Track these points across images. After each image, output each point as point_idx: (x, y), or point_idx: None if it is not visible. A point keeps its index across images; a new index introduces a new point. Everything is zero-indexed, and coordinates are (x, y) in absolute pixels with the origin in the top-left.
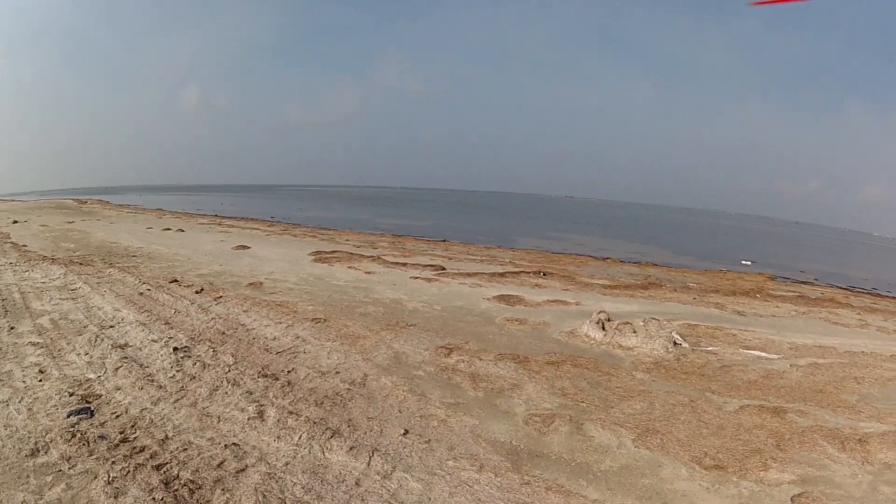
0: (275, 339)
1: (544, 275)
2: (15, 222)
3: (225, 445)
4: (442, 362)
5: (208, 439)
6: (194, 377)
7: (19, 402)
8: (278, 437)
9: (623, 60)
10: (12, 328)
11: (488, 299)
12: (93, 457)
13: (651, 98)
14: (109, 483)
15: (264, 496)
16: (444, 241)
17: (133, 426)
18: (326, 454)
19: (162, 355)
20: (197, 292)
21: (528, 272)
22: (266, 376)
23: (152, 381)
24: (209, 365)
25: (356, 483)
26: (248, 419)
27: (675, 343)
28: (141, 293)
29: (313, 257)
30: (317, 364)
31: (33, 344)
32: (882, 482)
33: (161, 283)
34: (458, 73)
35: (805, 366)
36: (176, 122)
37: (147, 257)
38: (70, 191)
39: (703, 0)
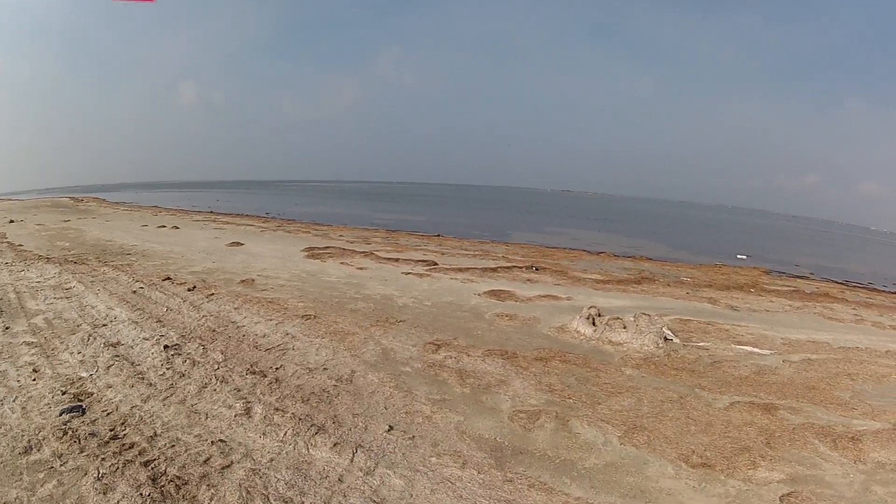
0: (265, 336)
1: (536, 270)
2: (11, 221)
3: (212, 442)
4: (430, 358)
5: (196, 436)
6: (184, 375)
7: (14, 401)
8: (264, 434)
9: (621, 54)
10: (7, 328)
11: (479, 295)
12: (83, 454)
13: (649, 92)
14: (99, 479)
15: (248, 492)
16: (438, 235)
17: (123, 423)
18: (311, 450)
19: (153, 353)
20: (189, 290)
21: (521, 267)
22: (254, 373)
23: (143, 378)
24: (199, 362)
25: (339, 479)
26: (235, 416)
27: (665, 338)
28: (134, 291)
29: (306, 253)
30: (305, 361)
31: (28, 343)
32: (875, 482)
33: (154, 280)
34: (455, 68)
35: (798, 362)
36: (173, 119)
37: (141, 255)
38: (67, 189)
39: None
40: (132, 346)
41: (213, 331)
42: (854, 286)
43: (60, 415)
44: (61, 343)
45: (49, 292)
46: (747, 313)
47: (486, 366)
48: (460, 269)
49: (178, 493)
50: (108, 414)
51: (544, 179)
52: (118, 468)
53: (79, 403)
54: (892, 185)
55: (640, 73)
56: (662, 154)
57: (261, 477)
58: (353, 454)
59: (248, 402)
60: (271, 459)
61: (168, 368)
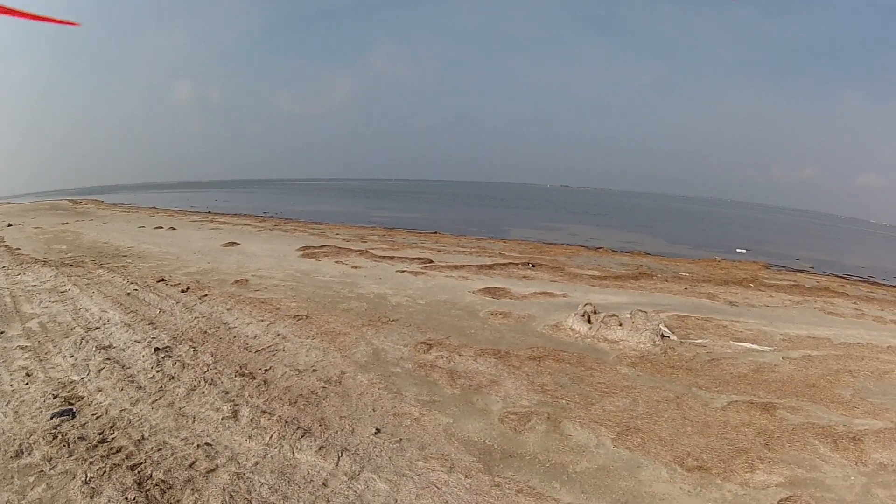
0: (255, 337)
1: (533, 266)
2: (9, 225)
3: (198, 445)
4: (421, 358)
5: (182, 439)
6: (173, 377)
7: (6, 405)
8: (250, 437)
9: (617, 48)
10: (2, 332)
11: (474, 292)
12: (72, 457)
13: (647, 85)
14: (86, 483)
15: (231, 496)
16: (434, 233)
17: (112, 427)
18: (296, 454)
19: (144, 356)
20: (183, 291)
21: (517, 264)
22: (243, 375)
23: (133, 381)
24: (188, 365)
25: (323, 484)
26: (222, 419)
27: (662, 336)
28: (128, 293)
29: (301, 252)
30: (295, 362)
31: (22, 348)
32: (876, 484)
33: (148, 282)
34: (453, 63)
35: (798, 358)
36: (170, 118)
37: (137, 257)
38: (66, 191)
39: None
40: (123, 349)
41: (205, 332)
42: (855, 280)
43: (51, 419)
44: (54, 347)
45: (44, 296)
46: (746, 309)
47: (478, 365)
48: (456, 267)
49: (162, 498)
50: (98, 417)
51: (543, 175)
52: (105, 472)
53: (69, 407)
54: (890, 177)
55: (636, 65)
56: (660, 148)
57: (245, 481)
58: (339, 458)
59: (236, 405)
60: (256, 463)
61: (158, 371)
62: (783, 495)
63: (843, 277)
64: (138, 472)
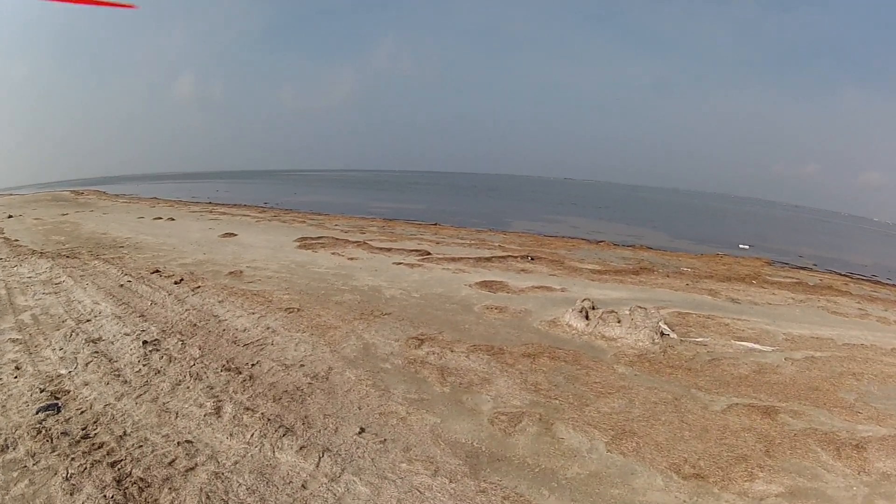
0: (245, 330)
1: (532, 259)
2: (10, 217)
3: (178, 443)
4: (411, 354)
5: (163, 436)
6: (159, 371)
7: None
8: (231, 435)
9: (619, 44)
10: None
11: (470, 286)
12: (55, 453)
13: (650, 80)
14: (67, 480)
15: (208, 497)
16: (435, 224)
17: (95, 422)
18: (276, 454)
19: (131, 349)
20: (176, 283)
21: (516, 256)
22: (229, 370)
23: (119, 375)
24: (175, 358)
25: (302, 486)
26: (205, 415)
27: (662, 334)
28: (121, 285)
29: (298, 244)
30: (283, 357)
31: (13, 340)
32: (878, 495)
33: (143, 273)
34: (454, 60)
35: (801, 359)
36: (172, 112)
37: (134, 247)
38: (69, 182)
39: None
40: (112, 342)
41: (194, 325)
42: (858, 278)
43: (37, 413)
44: (45, 340)
45: (39, 287)
46: (749, 306)
47: (470, 362)
48: (453, 259)
49: (140, 496)
50: (82, 412)
51: (546, 168)
52: (86, 469)
53: (55, 402)
54: (893, 176)
55: (639, 60)
56: (663, 143)
57: (223, 481)
58: (320, 458)
59: (220, 401)
60: (236, 462)
61: (144, 365)
62: None
63: (847, 276)
64: (118, 470)
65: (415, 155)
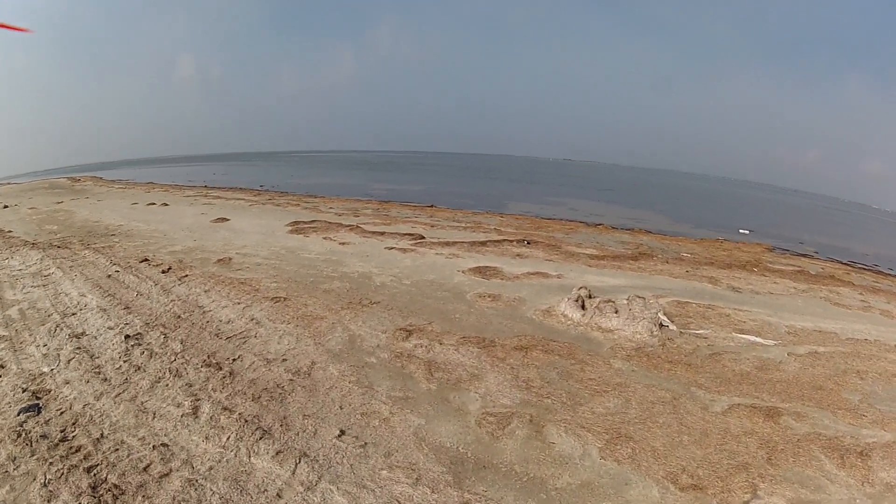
0: (229, 322)
1: (528, 244)
2: (5, 207)
3: (154, 446)
4: (398, 347)
5: (139, 439)
6: (139, 368)
7: None
8: (207, 438)
9: (624, 26)
10: None
11: (463, 272)
12: (34, 457)
13: (651, 61)
14: (45, 486)
15: None
16: (430, 206)
17: (74, 423)
18: (252, 459)
19: (114, 344)
20: (164, 272)
21: (512, 241)
22: (210, 366)
23: (99, 373)
24: (156, 353)
25: (277, 495)
26: (182, 416)
27: (661, 325)
28: (109, 275)
29: (290, 228)
30: (265, 350)
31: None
32: None
33: (131, 263)
34: (457, 36)
35: (804, 355)
36: (172, 95)
37: (125, 235)
38: (67, 169)
39: None
40: (96, 337)
41: (178, 317)
42: (860, 268)
43: (18, 415)
44: (30, 335)
45: (28, 280)
46: (750, 296)
47: (459, 356)
48: (447, 244)
49: (114, 503)
50: (62, 413)
51: (546, 148)
52: (63, 474)
53: (36, 402)
54: (893, 164)
55: (641, 44)
56: (663, 125)
57: (196, 489)
58: (297, 464)
59: (198, 400)
60: (210, 468)
61: (125, 361)
62: None
63: (848, 264)
64: (94, 476)
65: (416, 136)
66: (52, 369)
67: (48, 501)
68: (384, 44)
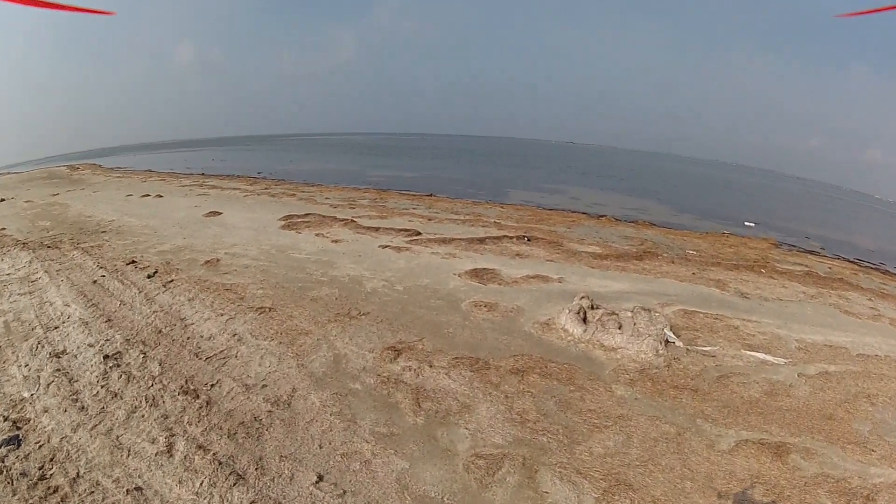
0: (210, 337)
1: (528, 240)
2: (2, 200)
3: (127, 490)
4: (386, 370)
5: (114, 480)
6: (116, 395)
7: None
8: (181, 482)
9: (628, 8)
10: None
11: (459, 275)
12: (16, 497)
13: (654, 45)
14: None
15: None
16: (429, 195)
17: (52, 459)
18: None
19: (93, 365)
20: (149, 276)
21: (511, 237)
22: (187, 393)
23: (77, 400)
24: (134, 377)
25: None
26: (157, 454)
27: (666, 342)
28: (95, 281)
29: (282, 223)
30: (245, 373)
31: None
32: None
33: (118, 265)
34: (459, 17)
35: (815, 376)
36: (173, 80)
37: (115, 232)
38: (67, 156)
39: None
40: (75, 356)
41: (159, 332)
42: (867, 267)
43: (0, 447)
44: (13, 353)
45: (16, 287)
46: (759, 303)
47: (450, 382)
48: (444, 241)
49: None
50: (40, 446)
51: (549, 131)
52: None
53: (16, 433)
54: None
55: (646, 26)
56: (666, 108)
57: None
58: None
59: (173, 435)
60: None
61: (102, 387)
62: None
63: (855, 262)
64: None
65: (418, 117)
66: (31, 394)
67: None
68: (386, 24)
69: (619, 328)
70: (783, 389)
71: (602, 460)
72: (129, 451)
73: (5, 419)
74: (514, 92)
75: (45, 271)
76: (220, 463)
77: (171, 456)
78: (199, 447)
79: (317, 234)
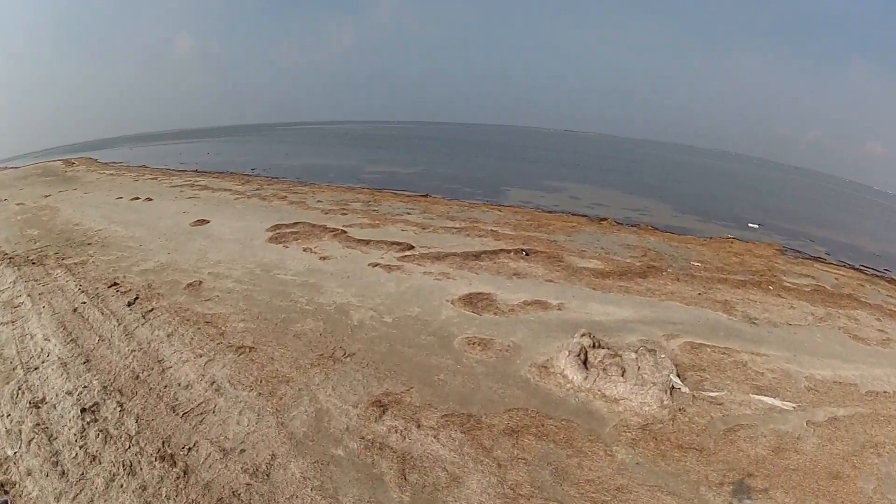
0: (188, 386)
1: (526, 254)
2: None
3: None
4: (370, 431)
5: None
6: (95, 458)
7: None
8: None
9: (627, 2)
10: None
11: (452, 302)
12: None
13: (654, 34)
14: None
15: None
16: (425, 196)
17: None
18: None
19: (71, 419)
20: (129, 304)
21: (509, 251)
22: (164, 459)
23: (57, 463)
24: (111, 437)
25: None
26: None
27: (672, 388)
28: (75, 309)
29: (270, 234)
30: (223, 434)
31: None
32: None
33: (100, 288)
34: (458, 4)
35: (823, 423)
36: (172, 70)
37: (101, 245)
38: (66, 148)
39: None
40: (54, 406)
41: (136, 377)
42: (872, 275)
43: None
44: None
45: None
46: (767, 330)
47: (439, 447)
48: (437, 258)
49: None
50: None
51: (547, 119)
52: None
53: (4, 499)
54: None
55: (648, 18)
56: (665, 97)
57: None
58: None
59: None
60: None
61: (81, 447)
62: None
63: (860, 269)
64: None
65: (416, 106)
66: (15, 452)
67: None
68: (385, 12)
69: (623, 374)
70: (791, 443)
71: None
72: None
73: None
74: (513, 79)
75: (28, 294)
76: None
77: None
78: None
79: (304, 249)
